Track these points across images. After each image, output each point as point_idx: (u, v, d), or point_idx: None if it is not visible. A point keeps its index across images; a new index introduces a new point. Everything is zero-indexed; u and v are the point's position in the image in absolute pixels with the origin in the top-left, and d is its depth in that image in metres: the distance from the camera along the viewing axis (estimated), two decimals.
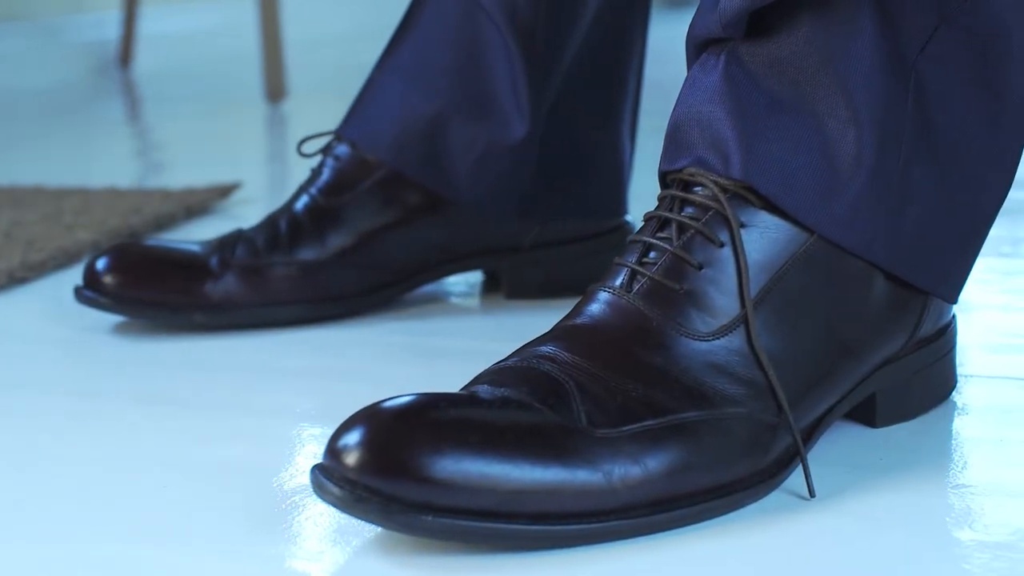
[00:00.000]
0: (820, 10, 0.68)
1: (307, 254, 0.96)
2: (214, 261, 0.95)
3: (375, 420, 0.59)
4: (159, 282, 0.94)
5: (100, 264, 0.95)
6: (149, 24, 2.73)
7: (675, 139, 0.70)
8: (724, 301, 0.66)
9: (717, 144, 0.68)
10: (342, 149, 0.99)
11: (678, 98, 0.70)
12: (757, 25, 0.69)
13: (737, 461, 0.63)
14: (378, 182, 0.98)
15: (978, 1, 0.69)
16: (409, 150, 0.98)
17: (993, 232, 0.77)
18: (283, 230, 0.97)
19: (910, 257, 0.70)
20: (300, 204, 0.98)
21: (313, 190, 0.98)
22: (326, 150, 1.00)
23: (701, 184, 0.68)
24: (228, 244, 0.96)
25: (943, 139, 0.70)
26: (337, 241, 0.97)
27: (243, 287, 0.95)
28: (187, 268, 0.95)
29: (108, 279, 0.94)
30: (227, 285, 0.95)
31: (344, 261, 0.97)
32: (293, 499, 0.66)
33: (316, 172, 1.00)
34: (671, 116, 0.70)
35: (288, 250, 0.96)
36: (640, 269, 0.66)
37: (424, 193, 0.98)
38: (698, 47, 0.72)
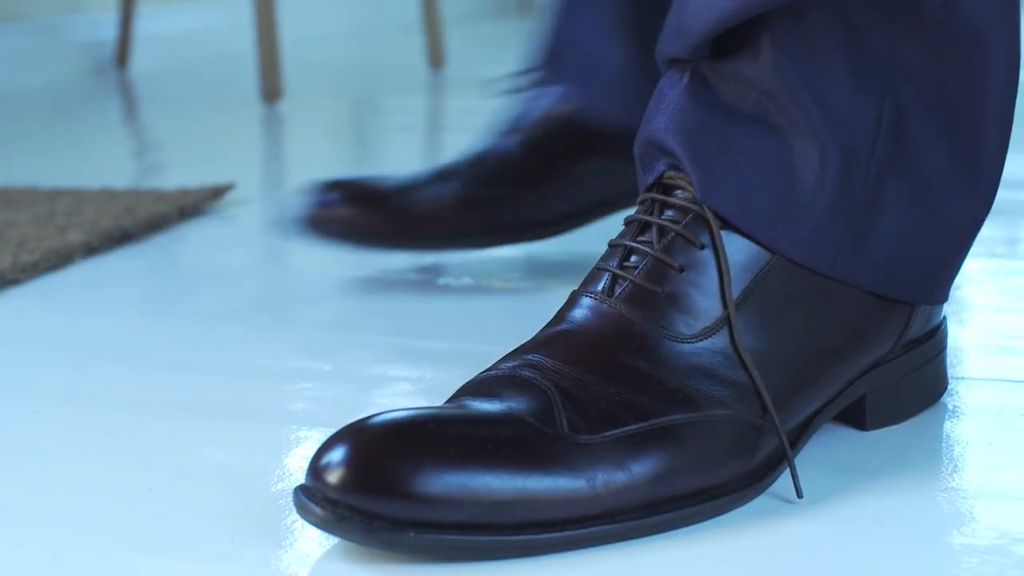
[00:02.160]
0: (786, 30, 0.67)
1: (506, 189, 1.03)
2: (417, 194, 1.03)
3: (356, 439, 0.58)
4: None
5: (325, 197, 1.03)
6: (146, 24, 2.73)
7: (643, 159, 0.70)
8: (706, 303, 0.65)
9: (678, 163, 0.68)
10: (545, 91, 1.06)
11: (645, 114, 0.70)
12: (723, 43, 0.68)
13: (723, 464, 0.63)
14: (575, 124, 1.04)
15: (953, 16, 0.68)
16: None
17: (987, 232, 0.77)
18: (489, 165, 1.04)
19: (882, 272, 0.69)
20: (506, 143, 1.05)
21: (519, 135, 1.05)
22: (525, 87, 1.07)
23: (680, 187, 0.67)
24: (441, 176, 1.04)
25: (918, 154, 0.69)
26: (532, 175, 1.04)
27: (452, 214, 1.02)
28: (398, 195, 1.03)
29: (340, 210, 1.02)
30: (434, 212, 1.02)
31: (540, 195, 1.04)
32: (280, 503, 0.66)
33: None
34: (638, 135, 0.71)
35: (493, 183, 1.03)
36: (621, 273, 0.66)
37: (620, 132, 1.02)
38: (665, 64, 0.72)
